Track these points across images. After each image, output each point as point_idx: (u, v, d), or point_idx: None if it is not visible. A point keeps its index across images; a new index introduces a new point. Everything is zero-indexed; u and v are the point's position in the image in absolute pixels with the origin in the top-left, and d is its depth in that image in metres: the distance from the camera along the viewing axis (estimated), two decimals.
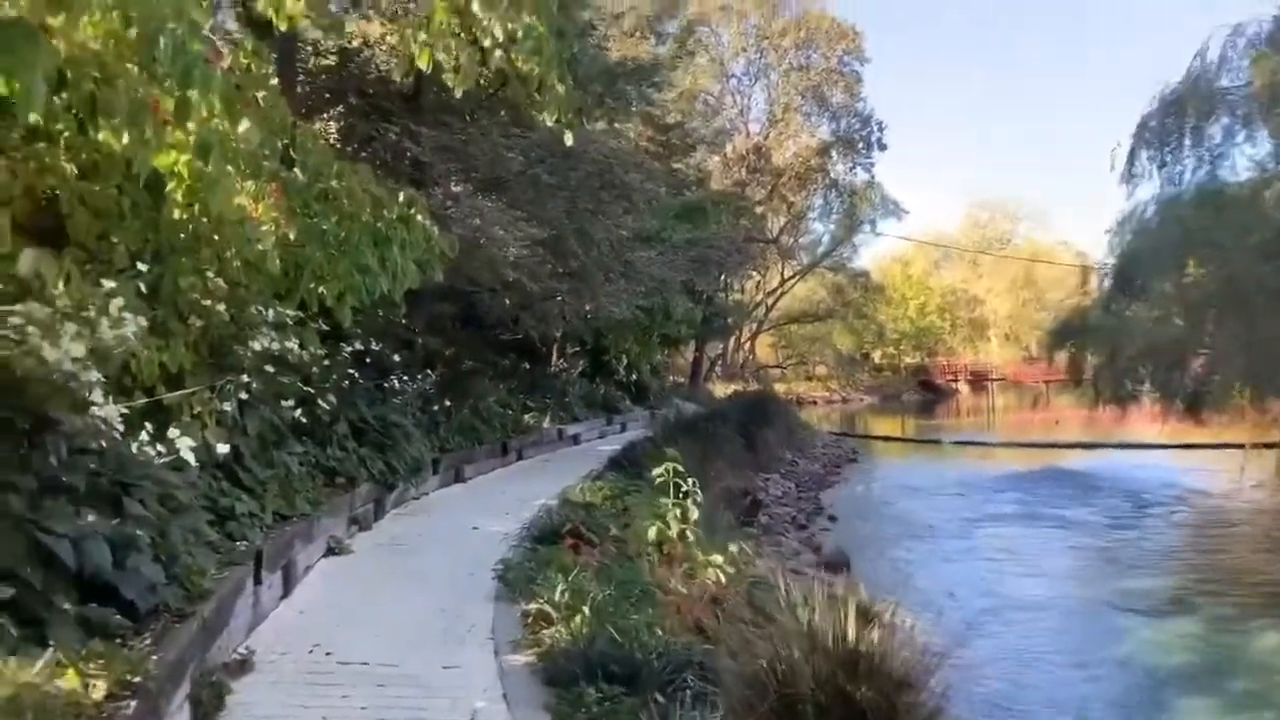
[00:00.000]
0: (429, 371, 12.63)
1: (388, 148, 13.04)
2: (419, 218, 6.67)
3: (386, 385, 11.22)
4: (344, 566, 7.18)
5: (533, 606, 5.15)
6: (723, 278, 29.01)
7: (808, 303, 54.14)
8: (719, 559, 5.46)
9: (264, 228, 5.30)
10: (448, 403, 12.87)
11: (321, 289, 6.47)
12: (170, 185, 4.79)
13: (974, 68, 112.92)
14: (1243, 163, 16.31)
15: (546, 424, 16.91)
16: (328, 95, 15.64)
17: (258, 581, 5.49)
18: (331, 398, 8.83)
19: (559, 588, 5.28)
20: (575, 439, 17.73)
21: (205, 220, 5.44)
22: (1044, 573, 12.42)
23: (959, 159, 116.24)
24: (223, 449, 5.75)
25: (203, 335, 6.09)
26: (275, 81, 6.45)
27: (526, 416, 16.41)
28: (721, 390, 37.78)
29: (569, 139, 8.01)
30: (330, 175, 6.18)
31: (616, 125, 15.20)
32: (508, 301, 15.81)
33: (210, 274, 6.05)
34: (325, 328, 9.05)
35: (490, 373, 16.33)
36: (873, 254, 76.29)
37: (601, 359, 21.41)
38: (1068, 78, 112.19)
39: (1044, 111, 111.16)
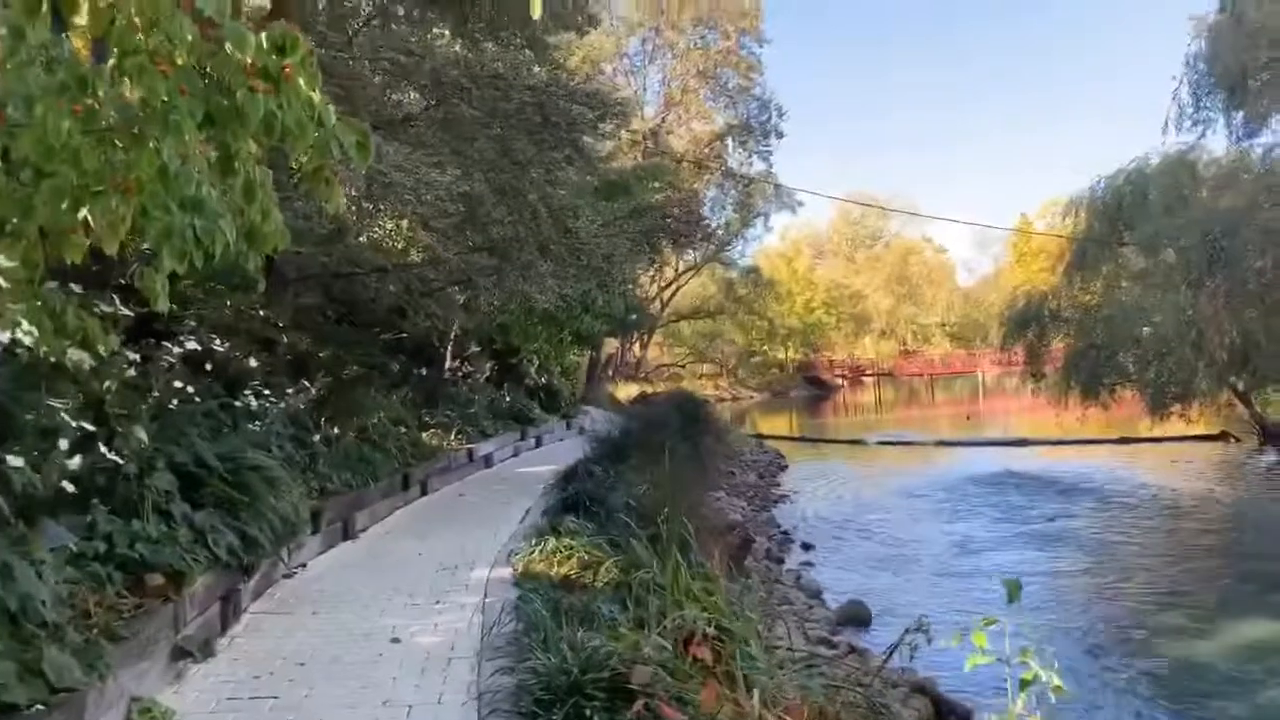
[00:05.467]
0: (304, 382, 8.96)
1: None
2: (300, 80, 3.24)
3: (238, 404, 7.55)
4: None
5: None
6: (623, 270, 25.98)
7: (699, 299, 52.00)
8: None
9: None
10: (328, 425, 9.24)
11: (85, 213, 3.01)
12: None
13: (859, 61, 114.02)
14: None
15: (452, 443, 13.41)
16: None
17: None
18: (140, 432, 5.22)
19: None
20: (487, 460, 14.28)
21: None
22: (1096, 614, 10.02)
23: (836, 150, 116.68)
24: None
25: None
26: None
27: (426, 435, 12.88)
28: (623, 393, 34.81)
29: (536, 8, 4.63)
30: None
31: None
32: (392, 288, 12.23)
33: None
34: (129, 312, 5.45)
35: (378, 381, 12.67)
36: (758, 249, 75.17)
37: (509, 361, 17.92)
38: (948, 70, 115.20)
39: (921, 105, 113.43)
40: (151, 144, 2.99)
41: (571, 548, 7.10)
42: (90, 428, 4.52)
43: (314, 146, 3.32)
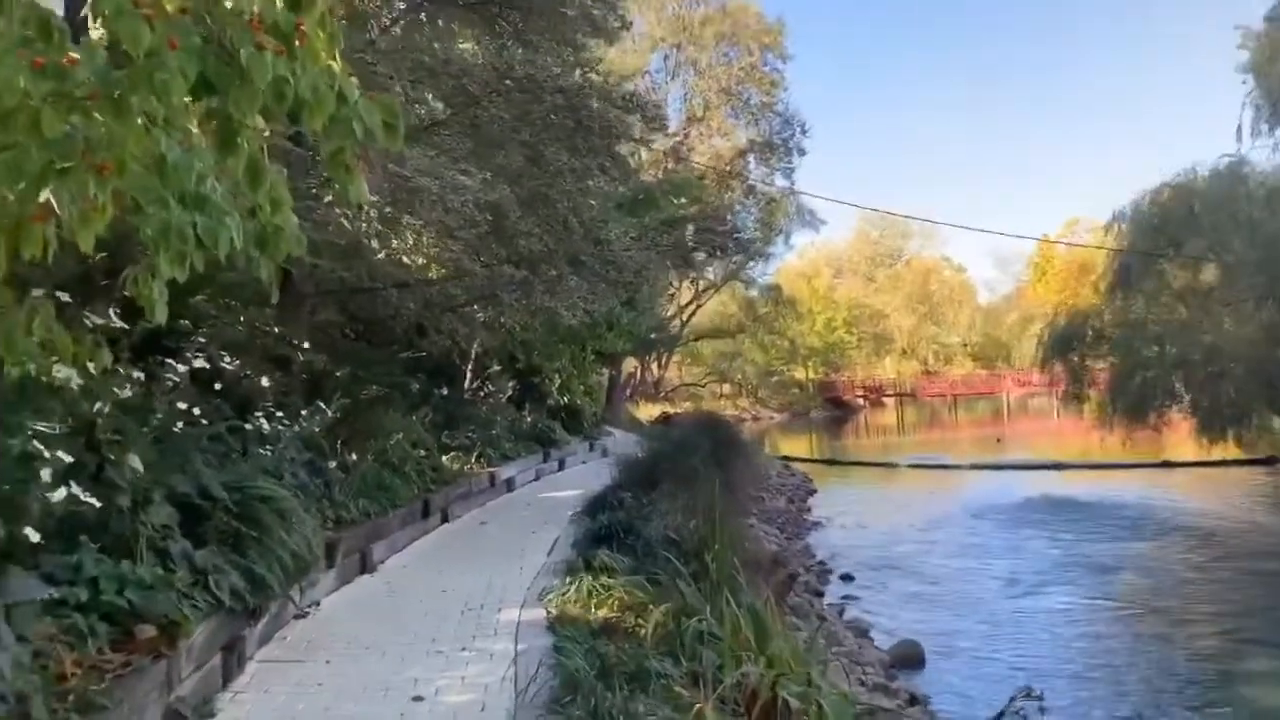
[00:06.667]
0: (319, 403, 8.39)
1: None
2: (317, 42, 2.67)
3: (249, 427, 6.97)
4: None
5: None
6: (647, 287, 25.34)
7: (719, 318, 51.31)
8: None
9: None
10: (345, 449, 8.65)
11: (49, 197, 2.44)
12: None
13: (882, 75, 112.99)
14: None
15: (473, 466, 12.81)
16: None
17: None
18: (135, 460, 4.64)
19: None
20: (509, 484, 13.65)
21: None
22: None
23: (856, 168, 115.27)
24: None
25: None
26: None
27: (446, 458, 12.28)
28: (644, 413, 34.16)
29: None
30: None
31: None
32: (413, 304, 11.66)
33: None
34: (124, 325, 4.89)
35: (398, 402, 12.09)
36: (779, 267, 74.35)
37: (531, 380, 17.32)
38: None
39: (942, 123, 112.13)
40: (140, 120, 2.41)
41: (609, 586, 6.47)
42: (67, 458, 3.95)
43: (334, 123, 2.76)
